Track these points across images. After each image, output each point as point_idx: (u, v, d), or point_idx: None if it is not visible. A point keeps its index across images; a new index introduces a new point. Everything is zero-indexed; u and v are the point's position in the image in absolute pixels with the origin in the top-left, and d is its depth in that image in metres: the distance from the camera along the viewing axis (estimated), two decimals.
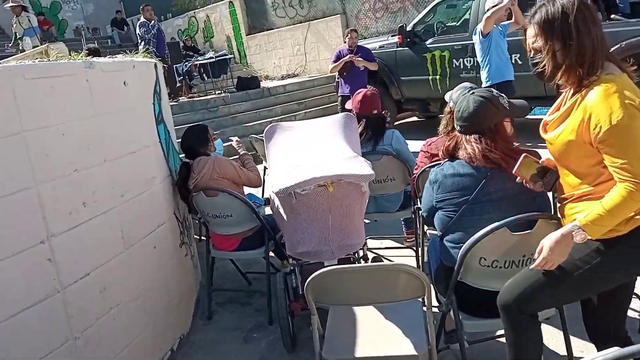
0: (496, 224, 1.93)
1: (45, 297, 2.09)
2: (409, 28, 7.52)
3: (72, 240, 2.22)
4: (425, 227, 3.35)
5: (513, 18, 5.20)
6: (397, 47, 7.68)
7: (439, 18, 7.52)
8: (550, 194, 2.22)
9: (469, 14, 6.95)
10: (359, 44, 6.93)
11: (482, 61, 5.29)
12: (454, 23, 7.43)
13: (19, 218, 2.01)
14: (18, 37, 8.33)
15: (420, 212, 2.43)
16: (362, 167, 2.42)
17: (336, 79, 7.06)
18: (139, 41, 9.44)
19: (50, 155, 2.12)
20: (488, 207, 2.06)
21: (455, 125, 2.20)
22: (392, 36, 8.13)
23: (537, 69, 1.74)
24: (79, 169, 2.27)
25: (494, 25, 5.05)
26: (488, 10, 5.13)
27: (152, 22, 9.32)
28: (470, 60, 6.90)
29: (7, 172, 1.96)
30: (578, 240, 1.66)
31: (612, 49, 5.41)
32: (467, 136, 2.11)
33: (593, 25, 1.65)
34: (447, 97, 2.82)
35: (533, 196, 2.05)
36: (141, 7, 9.61)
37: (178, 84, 10.09)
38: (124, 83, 2.66)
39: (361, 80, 6.67)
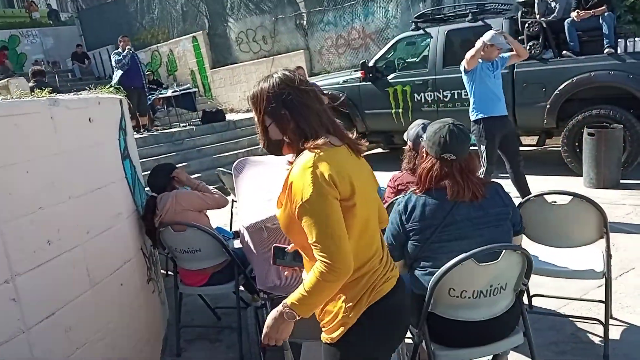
0: (463, 255, 1.97)
1: (10, 338, 2.01)
2: (371, 64, 7.71)
3: (36, 279, 2.16)
4: None
5: (514, 50, 4.97)
6: (360, 82, 7.86)
7: (399, 54, 7.75)
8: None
9: (428, 51, 7.20)
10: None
11: (469, 96, 5.00)
12: (414, 59, 7.67)
13: None
14: None
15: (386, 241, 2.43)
16: None
17: None
18: (114, 70, 9.42)
19: (13, 194, 2.07)
20: (455, 234, 2.12)
21: (436, 153, 2.20)
22: (354, 71, 8.32)
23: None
24: (43, 207, 2.22)
25: (480, 61, 4.77)
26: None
27: (125, 50, 9.18)
28: (430, 95, 7.12)
29: None
30: (289, 319, 1.58)
31: (564, 84, 5.64)
32: (453, 169, 2.15)
33: (308, 101, 1.61)
34: (405, 136, 2.91)
35: (496, 224, 2.13)
36: (120, 37, 9.63)
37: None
38: (89, 119, 2.64)
39: None
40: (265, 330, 1.63)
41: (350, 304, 1.60)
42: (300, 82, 1.62)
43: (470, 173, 2.16)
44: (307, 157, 1.55)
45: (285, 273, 1.90)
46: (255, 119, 1.68)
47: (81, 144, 2.58)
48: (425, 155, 2.24)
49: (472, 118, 4.88)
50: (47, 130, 2.32)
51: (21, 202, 2.12)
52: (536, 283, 3.19)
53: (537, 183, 6.25)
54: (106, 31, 16.45)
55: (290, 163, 1.65)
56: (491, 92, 4.82)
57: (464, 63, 4.86)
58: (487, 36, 4.72)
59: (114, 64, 9.36)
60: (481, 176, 4.59)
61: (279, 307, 1.60)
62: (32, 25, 20.27)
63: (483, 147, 4.76)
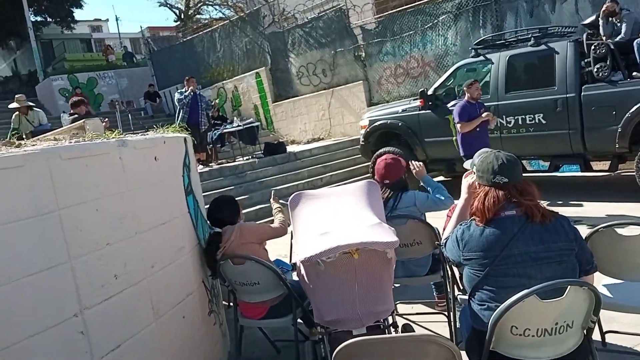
0: (524, 292, 1.89)
1: None
2: (430, 92, 7.68)
3: (104, 312, 2.27)
4: (456, 292, 3.29)
5: None
6: (420, 110, 7.82)
7: (459, 81, 7.67)
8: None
9: (489, 77, 7.08)
10: None
11: None
12: None
13: (54, 292, 2.07)
14: (24, 133, 7.40)
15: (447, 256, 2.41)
16: (387, 235, 2.43)
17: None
18: (175, 108, 9.89)
19: (83, 231, 2.20)
20: (512, 270, 2.07)
21: (487, 180, 2.19)
22: (414, 100, 8.29)
23: None
24: (111, 243, 2.35)
25: None
26: None
27: (188, 91, 9.50)
28: None
29: (42, 248, 2.05)
30: None
31: (635, 107, 5.36)
32: (510, 191, 2.13)
33: None
34: (467, 165, 2.85)
35: (558, 260, 2.04)
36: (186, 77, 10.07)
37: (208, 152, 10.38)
38: (155, 158, 2.78)
39: (485, 137, 6.17)
40: None
41: None
42: None
43: (530, 196, 2.11)
44: None
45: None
46: None
47: (147, 182, 2.71)
48: (478, 187, 2.22)
49: None
50: (115, 169, 2.46)
51: (90, 239, 2.25)
52: (610, 318, 2.99)
53: (610, 210, 5.93)
54: (176, 71, 17.34)
55: None
56: None
57: None
58: None
59: (175, 102, 9.82)
60: None
61: None
62: (109, 68, 21.68)
63: None
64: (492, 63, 7.03)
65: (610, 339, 3.10)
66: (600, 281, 2.86)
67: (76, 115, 7.11)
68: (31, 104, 8.77)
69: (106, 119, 7.17)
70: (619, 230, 2.69)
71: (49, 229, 2.07)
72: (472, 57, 7.45)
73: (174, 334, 2.75)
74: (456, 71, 7.69)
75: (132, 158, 2.55)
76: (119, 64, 23.55)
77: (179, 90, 9.88)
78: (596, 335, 2.88)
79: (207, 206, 3.59)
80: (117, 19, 49.77)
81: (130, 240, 2.48)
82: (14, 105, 8.33)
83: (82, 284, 2.18)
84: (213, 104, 10.63)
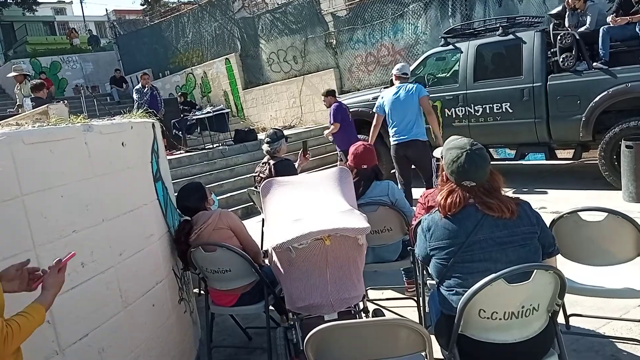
0: (492, 275, 1.93)
1: None
2: None
3: (70, 301, 2.21)
4: (426, 277, 3.34)
5: None
6: None
7: (429, 70, 7.72)
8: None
9: (458, 66, 7.15)
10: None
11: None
12: (444, 74, 7.63)
13: None
14: (19, 103, 8.42)
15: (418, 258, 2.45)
16: (358, 221, 2.44)
17: None
18: (135, 105, 10.00)
19: (48, 218, 2.14)
20: (478, 255, 2.11)
21: (455, 180, 2.21)
22: (384, 88, 8.31)
23: None
24: (77, 230, 2.29)
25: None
26: None
27: (146, 88, 9.96)
28: (461, 110, 7.06)
29: (5, 235, 1.98)
30: None
31: (599, 96, 5.59)
32: (477, 192, 2.15)
33: None
34: (437, 153, 2.87)
35: (522, 243, 2.09)
36: (140, 74, 10.77)
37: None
38: (122, 144, 2.71)
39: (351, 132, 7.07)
40: None
41: None
42: None
43: (496, 192, 2.14)
44: None
45: None
46: None
47: (114, 168, 2.65)
48: (445, 180, 2.24)
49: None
50: (81, 155, 2.40)
51: (56, 226, 2.19)
52: (573, 302, 3.08)
53: (574, 197, 6.10)
54: (143, 56, 16.99)
55: None
56: None
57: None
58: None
59: (135, 98, 10.24)
60: None
61: None
62: (73, 52, 21.06)
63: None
64: (461, 52, 7.09)
65: (573, 322, 3.21)
66: (564, 266, 2.94)
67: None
68: (27, 73, 8.96)
69: (65, 100, 7.05)
70: (583, 216, 2.77)
71: (12, 216, 2.01)
72: (442, 46, 7.50)
73: (143, 322, 2.72)
74: (426, 60, 7.73)
75: (98, 143, 2.49)
76: (83, 48, 22.92)
77: (136, 88, 10.31)
78: (560, 319, 2.98)
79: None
80: (81, 1, 48.23)
81: (97, 227, 2.42)
82: (11, 74, 8.76)
83: None
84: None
